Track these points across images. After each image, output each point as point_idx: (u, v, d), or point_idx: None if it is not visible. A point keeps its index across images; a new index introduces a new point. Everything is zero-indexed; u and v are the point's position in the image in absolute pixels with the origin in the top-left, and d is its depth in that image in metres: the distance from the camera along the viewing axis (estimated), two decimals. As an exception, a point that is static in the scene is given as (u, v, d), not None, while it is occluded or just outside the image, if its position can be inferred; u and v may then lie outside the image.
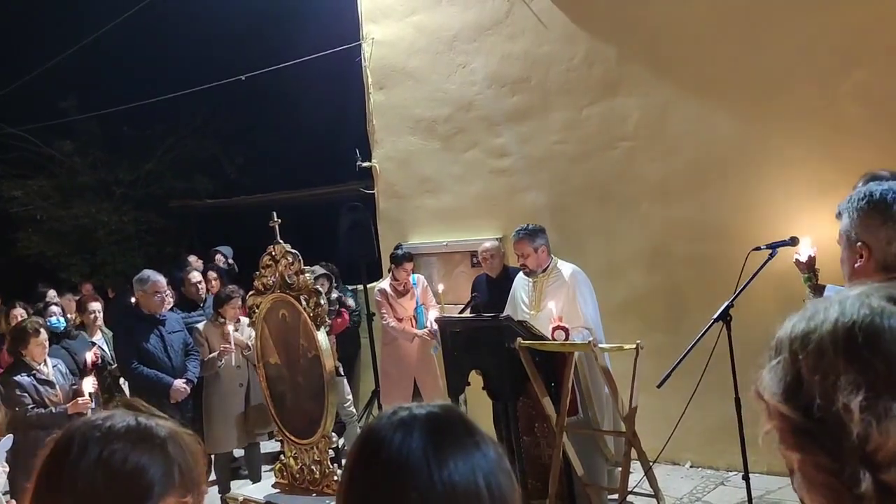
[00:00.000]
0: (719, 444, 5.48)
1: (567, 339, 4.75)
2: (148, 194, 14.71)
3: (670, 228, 5.98)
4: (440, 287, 6.37)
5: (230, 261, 9.45)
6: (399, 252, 6.66)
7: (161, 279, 5.94)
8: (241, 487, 5.46)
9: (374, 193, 7.83)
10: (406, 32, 7.43)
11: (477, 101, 7.01)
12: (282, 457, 4.81)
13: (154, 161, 14.60)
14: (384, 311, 6.59)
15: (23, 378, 5.19)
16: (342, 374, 6.62)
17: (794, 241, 4.03)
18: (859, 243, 2.17)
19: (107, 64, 12.72)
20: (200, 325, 6.13)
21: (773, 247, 4.13)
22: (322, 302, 4.42)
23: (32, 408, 5.13)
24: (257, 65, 9.21)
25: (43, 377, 5.27)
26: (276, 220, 4.61)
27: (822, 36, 5.24)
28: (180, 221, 14.89)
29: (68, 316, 7.15)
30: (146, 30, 11.91)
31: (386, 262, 7.18)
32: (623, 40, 6.15)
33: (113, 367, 6.12)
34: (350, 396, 6.93)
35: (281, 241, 4.56)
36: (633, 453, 4.52)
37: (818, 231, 3.85)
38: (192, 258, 9.28)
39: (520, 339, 4.58)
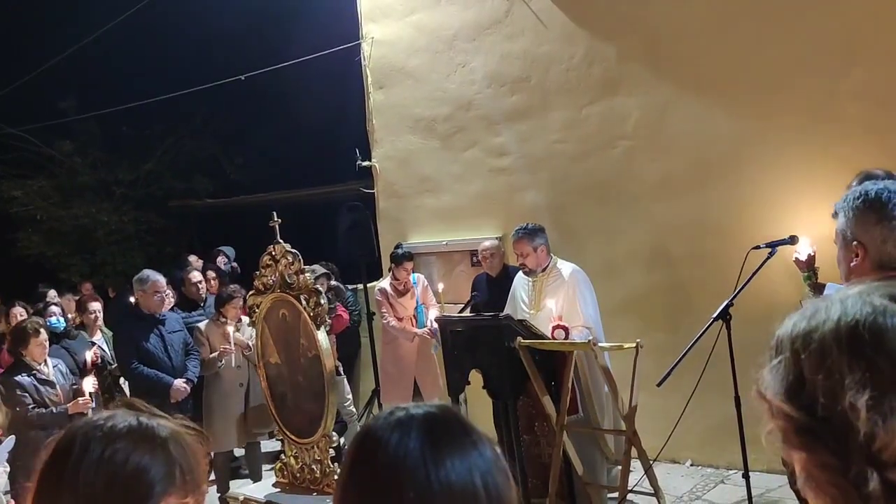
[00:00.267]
0: (719, 443, 5.48)
1: (567, 338, 4.75)
2: (148, 194, 14.68)
3: (670, 227, 5.98)
4: (440, 286, 6.37)
5: (233, 262, 9.43)
6: (399, 251, 6.66)
7: (161, 279, 5.96)
8: (241, 487, 5.45)
9: (373, 193, 7.83)
10: (406, 32, 7.43)
11: (476, 101, 7.01)
12: (282, 456, 4.81)
13: (154, 161, 14.57)
14: (384, 310, 6.59)
15: (23, 378, 5.19)
16: (342, 373, 6.62)
17: (793, 240, 4.04)
18: (855, 242, 2.18)
19: (106, 64, 12.72)
20: (202, 325, 6.14)
21: (773, 245, 4.13)
22: (322, 301, 4.42)
23: (33, 408, 5.14)
24: (257, 65, 9.20)
25: (43, 377, 5.28)
26: (276, 219, 4.62)
27: (822, 36, 5.24)
28: (180, 221, 14.87)
29: (68, 316, 7.14)
30: (146, 30, 11.89)
31: (386, 262, 7.18)
32: (623, 40, 6.15)
33: (113, 366, 6.13)
34: (350, 396, 6.94)
35: (281, 241, 4.56)
36: (634, 452, 4.52)
37: (818, 230, 3.86)
38: (193, 258, 9.28)
39: (520, 339, 4.58)
